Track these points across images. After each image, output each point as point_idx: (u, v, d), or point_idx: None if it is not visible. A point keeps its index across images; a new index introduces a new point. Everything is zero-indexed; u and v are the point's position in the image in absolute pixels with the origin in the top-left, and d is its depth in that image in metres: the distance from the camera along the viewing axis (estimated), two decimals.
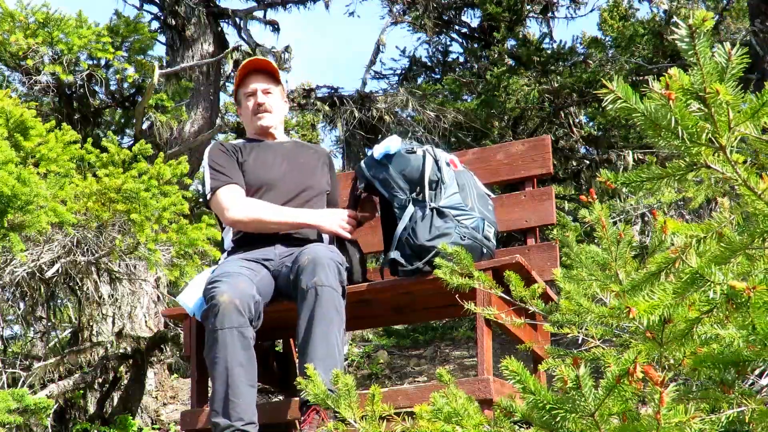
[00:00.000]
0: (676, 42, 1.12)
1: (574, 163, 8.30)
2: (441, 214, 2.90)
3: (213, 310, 2.73)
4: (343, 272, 2.85)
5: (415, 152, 3.04)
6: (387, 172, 3.03)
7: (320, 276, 2.75)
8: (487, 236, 2.97)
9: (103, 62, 6.39)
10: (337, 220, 3.14)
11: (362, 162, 3.16)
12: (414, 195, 2.97)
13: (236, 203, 3.11)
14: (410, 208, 2.94)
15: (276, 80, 3.38)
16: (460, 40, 9.82)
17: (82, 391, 5.50)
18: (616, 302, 1.22)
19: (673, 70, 1.13)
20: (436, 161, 3.02)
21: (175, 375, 6.87)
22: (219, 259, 3.27)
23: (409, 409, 2.18)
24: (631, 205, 6.06)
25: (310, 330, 2.71)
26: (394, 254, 2.91)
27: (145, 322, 6.12)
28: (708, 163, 1.18)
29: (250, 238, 3.14)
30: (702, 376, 1.29)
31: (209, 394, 2.81)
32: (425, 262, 2.84)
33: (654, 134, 1.15)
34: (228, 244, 3.21)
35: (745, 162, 1.20)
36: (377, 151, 3.09)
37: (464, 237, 2.87)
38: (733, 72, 1.12)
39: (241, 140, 3.39)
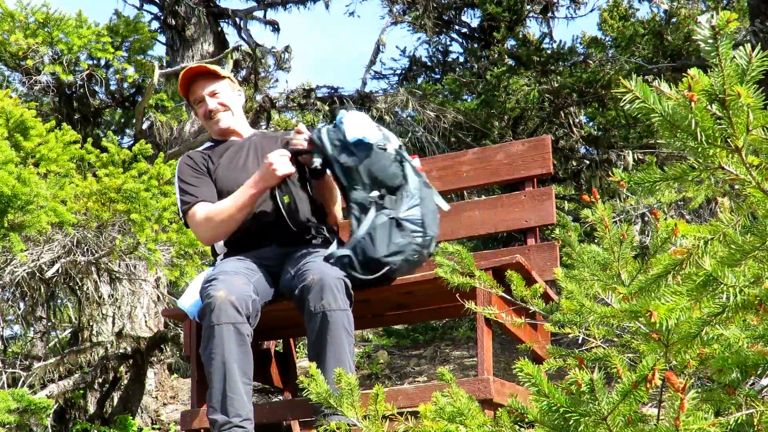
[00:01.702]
0: (699, 43, 1.11)
1: (574, 163, 8.30)
2: (400, 225, 2.85)
3: (209, 306, 2.73)
4: (350, 285, 2.83)
5: (386, 149, 2.90)
6: (354, 161, 2.86)
7: (328, 299, 2.73)
8: (431, 252, 2.93)
9: (103, 62, 6.40)
10: (275, 170, 2.96)
11: (324, 131, 2.92)
12: (376, 196, 2.89)
13: (198, 227, 3.07)
14: (372, 212, 2.86)
15: (218, 77, 3.24)
16: (460, 40, 9.82)
17: (82, 391, 5.50)
18: (625, 305, 1.22)
19: (694, 71, 1.13)
20: (406, 164, 2.94)
21: (175, 375, 6.86)
22: (216, 261, 3.25)
23: (409, 409, 2.18)
24: (631, 205, 6.06)
25: (322, 356, 2.72)
26: (350, 253, 2.85)
27: (145, 322, 6.12)
28: (722, 164, 1.17)
29: (241, 243, 3.11)
30: (719, 378, 1.29)
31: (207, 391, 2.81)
32: (376, 278, 2.82)
33: (670, 135, 1.14)
34: (221, 248, 3.19)
35: (759, 165, 1.19)
36: (351, 132, 2.86)
37: (413, 255, 2.86)
38: (753, 74, 1.11)
39: (210, 143, 3.32)
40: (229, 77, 3.29)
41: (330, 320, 2.72)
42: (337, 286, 2.76)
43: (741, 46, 1.13)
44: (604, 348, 1.87)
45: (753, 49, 1.13)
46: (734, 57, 1.12)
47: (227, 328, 2.70)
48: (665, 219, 1.61)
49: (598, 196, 1.71)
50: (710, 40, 1.11)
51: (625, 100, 1.16)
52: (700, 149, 1.14)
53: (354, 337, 2.81)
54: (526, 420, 1.29)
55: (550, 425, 1.19)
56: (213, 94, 3.22)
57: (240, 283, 2.81)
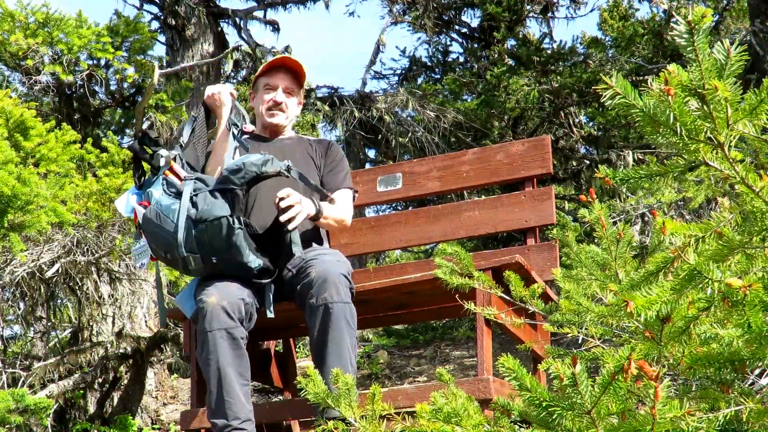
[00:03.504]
0: (675, 38, 1.11)
1: (574, 163, 8.31)
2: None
3: (201, 312, 2.76)
4: (351, 282, 2.85)
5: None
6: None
7: (331, 291, 2.74)
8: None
9: (103, 62, 6.40)
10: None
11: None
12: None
13: None
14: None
15: (300, 84, 3.32)
16: (460, 40, 9.82)
17: (82, 391, 5.50)
18: (613, 300, 1.22)
19: (672, 66, 1.13)
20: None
21: (175, 375, 6.86)
22: None
23: (409, 409, 2.18)
24: (631, 205, 6.05)
25: (323, 349, 2.72)
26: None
27: (145, 322, 6.11)
28: (706, 160, 1.17)
29: None
30: (699, 374, 1.29)
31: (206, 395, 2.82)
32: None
33: (652, 131, 1.15)
34: None
35: (743, 160, 1.19)
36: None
37: None
38: (732, 69, 1.11)
39: (247, 136, 3.29)
40: (304, 89, 3.40)
41: (332, 312, 2.72)
42: (339, 281, 2.77)
43: (719, 42, 1.13)
44: (603, 347, 1.87)
45: (750, 47, 1.13)
46: (712, 52, 1.12)
47: (220, 333, 2.72)
48: (663, 218, 1.61)
49: (596, 196, 1.71)
50: (686, 35, 1.11)
51: (605, 96, 1.17)
52: (682, 145, 1.14)
53: (356, 328, 2.80)
54: (512, 415, 1.30)
55: (535, 420, 1.19)
56: (287, 92, 3.28)
57: (232, 287, 2.81)
